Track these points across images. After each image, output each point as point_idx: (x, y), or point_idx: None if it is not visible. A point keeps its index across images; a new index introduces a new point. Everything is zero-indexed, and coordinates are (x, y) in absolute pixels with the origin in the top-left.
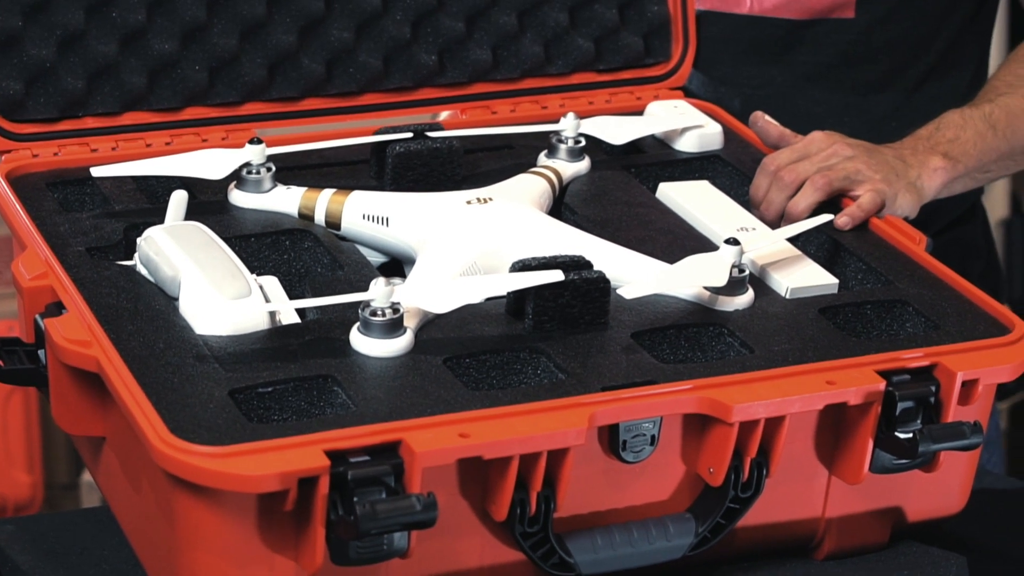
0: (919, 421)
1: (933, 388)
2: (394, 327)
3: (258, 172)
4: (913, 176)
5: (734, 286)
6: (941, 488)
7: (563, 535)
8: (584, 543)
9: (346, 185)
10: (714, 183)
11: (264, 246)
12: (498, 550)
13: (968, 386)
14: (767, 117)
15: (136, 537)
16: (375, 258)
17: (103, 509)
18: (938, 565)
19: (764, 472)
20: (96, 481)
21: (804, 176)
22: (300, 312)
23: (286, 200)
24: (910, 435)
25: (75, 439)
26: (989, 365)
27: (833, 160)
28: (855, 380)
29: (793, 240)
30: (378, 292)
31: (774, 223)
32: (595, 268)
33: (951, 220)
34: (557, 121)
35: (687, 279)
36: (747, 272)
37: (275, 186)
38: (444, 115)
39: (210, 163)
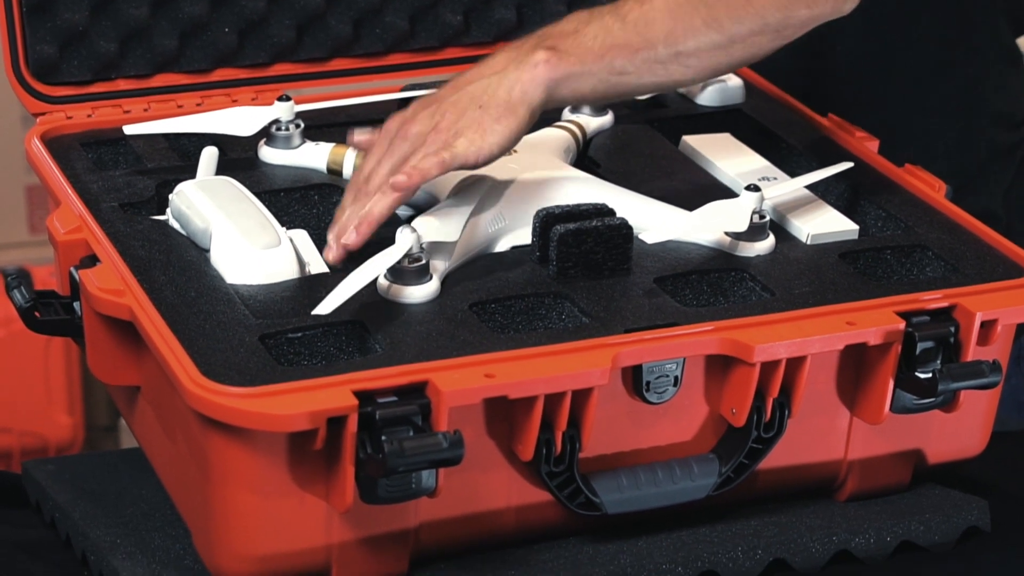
0: (939, 361)
1: (952, 328)
2: (420, 273)
3: (287, 129)
4: (506, 88)
5: (755, 232)
6: (961, 429)
7: (589, 475)
8: (609, 483)
9: None
10: (736, 136)
11: (293, 200)
12: (525, 490)
13: (987, 327)
14: (357, 133)
15: (171, 482)
16: (401, 211)
17: (140, 450)
18: (959, 507)
19: (786, 412)
20: (132, 429)
21: (381, 183)
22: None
23: (315, 156)
24: (930, 374)
25: (110, 389)
26: (1008, 306)
27: (404, 148)
28: (875, 321)
29: (813, 188)
30: (405, 241)
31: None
32: (618, 216)
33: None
34: None
35: (708, 225)
36: (768, 218)
37: (304, 142)
38: None
39: (240, 120)
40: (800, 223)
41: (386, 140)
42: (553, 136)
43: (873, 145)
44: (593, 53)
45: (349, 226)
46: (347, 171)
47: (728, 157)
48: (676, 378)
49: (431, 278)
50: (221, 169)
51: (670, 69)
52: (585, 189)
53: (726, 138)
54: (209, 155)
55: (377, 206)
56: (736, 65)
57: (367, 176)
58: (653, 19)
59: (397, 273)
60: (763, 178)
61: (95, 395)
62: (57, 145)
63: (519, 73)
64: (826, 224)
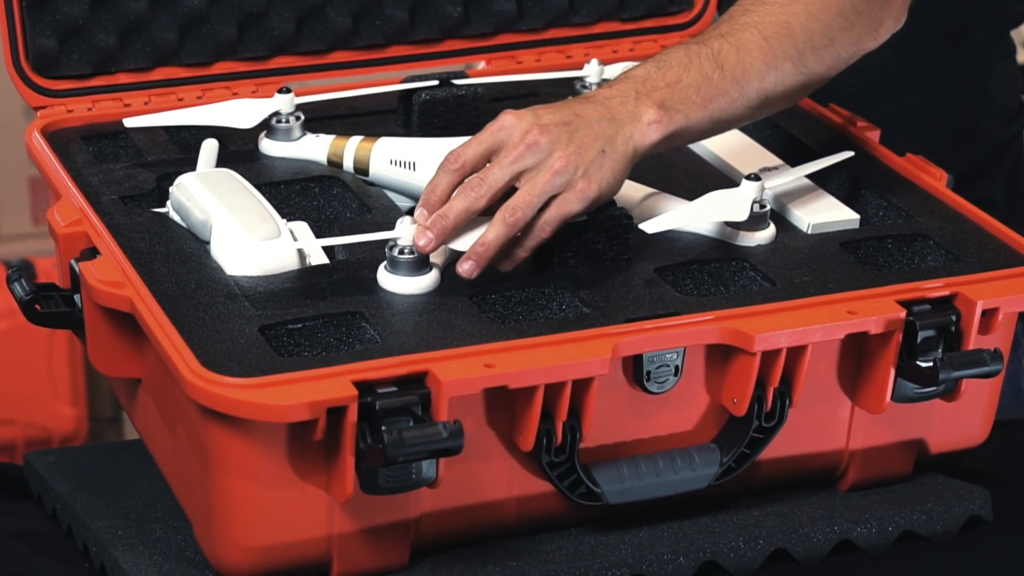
0: (940, 350)
1: (953, 317)
2: (420, 264)
3: (287, 121)
4: (623, 139)
5: (755, 221)
6: (963, 419)
7: (589, 465)
8: (610, 473)
9: (374, 133)
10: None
11: (294, 193)
12: (526, 480)
13: (988, 315)
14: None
15: (172, 474)
16: (403, 203)
17: (141, 442)
18: (961, 497)
19: (787, 402)
20: (133, 422)
21: (495, 188)
22: (328, 254)
23: (315, 148)
24: (931, 363)
25: (112, 382)
26: (1009, 294)
27: (528, 159)
28: (876, 310)
29: (814, 177)
30: (404, 230)
31: (452, 230)
32: (618, 205)
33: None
34: (582, 70)
35: (708, 214)
36: (768, 207)
37: (304, 134)
38: (481, 65)
39: (240, 113)
40: (801, 212)
41: (503, 134)
42: None
43: (874, 135)
44: (697, 106)
45: (479, 246)
46: (347, 163)
47: (728, 147)
48: (677, 368)
49: (431, 269)
50: (221, 161)
51: (758, 112)
52: None
53: None
54: (209, 147)
55: (492, 234)
56: (805, 96)
57: (477, 176)
58: (749, 66)
59: (397, 264)
60: (764, 167)
61: (99, 387)
62: (58, 139)
63: (632, 128)
64: (827, 213)
